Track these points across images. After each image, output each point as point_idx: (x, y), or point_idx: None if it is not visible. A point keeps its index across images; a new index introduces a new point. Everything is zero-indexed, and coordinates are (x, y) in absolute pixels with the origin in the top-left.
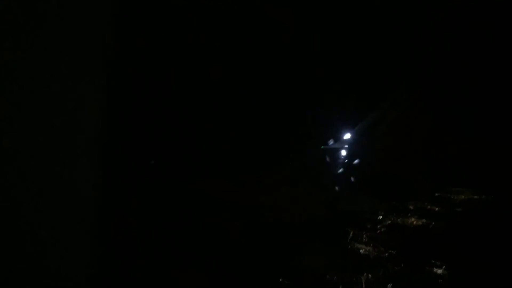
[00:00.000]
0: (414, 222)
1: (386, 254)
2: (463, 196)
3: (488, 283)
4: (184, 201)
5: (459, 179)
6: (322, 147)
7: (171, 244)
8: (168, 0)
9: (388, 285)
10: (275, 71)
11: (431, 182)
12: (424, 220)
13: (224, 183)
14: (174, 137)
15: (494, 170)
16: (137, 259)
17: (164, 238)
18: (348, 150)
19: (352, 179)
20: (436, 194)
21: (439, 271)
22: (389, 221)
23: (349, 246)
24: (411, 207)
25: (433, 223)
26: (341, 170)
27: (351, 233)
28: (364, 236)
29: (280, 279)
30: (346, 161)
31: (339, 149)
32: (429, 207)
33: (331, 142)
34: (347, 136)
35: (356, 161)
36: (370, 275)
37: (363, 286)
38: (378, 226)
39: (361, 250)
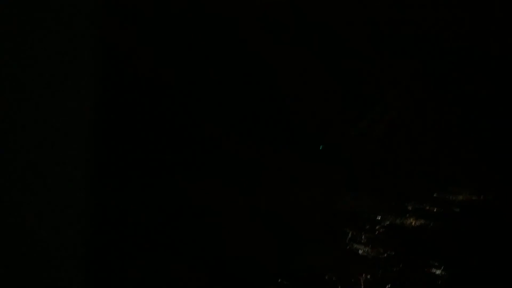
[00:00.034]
0: (413, 223)
1: (385, 254)
2: (461, 197)
3: (487, 283)
4: (183, 201)
5: (457, 179)
6: (320, 147)
7: (170, 244)
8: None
9: (387, 286)
10: (273, 71)
11: (430, 183)
12: (422, 221)
13: (223, 183)
14: (174, 137)
15: (493, 170)
16: (136, 258)
17: (163, 238)
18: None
19: (351, 179)
20: (435, 195)
21: (438, 272)
22: (388, 222)
23: (348, 247)
24: (410, 208)
25: (432, 223)
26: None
27: (350, 233)
28: (363, 236)
29: (279, 280)
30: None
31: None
32: (427, 207)
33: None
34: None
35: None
36: (368, 276)
37: (362, 286)
38: (377, 227)
39: (359, 251)
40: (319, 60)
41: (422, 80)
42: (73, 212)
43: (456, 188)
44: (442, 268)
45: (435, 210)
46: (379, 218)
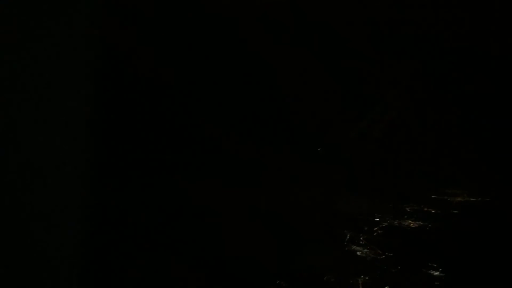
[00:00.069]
0: (411, 224)
1: (383, 256)
2: (461, 197)
3: (486, 284)
4: (183, 201)
5: (457, 179)
6: (319, 148)
7: (170, 244)
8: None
9: (386, 287)
10: (273, 71)
11: (430, 183)
12: (420, 222)
13: (223, 183)
14: (174, 137)
15: (493, 170)
16: (136, 258)
17: (163, 238)
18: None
19: (351, 179)
20: (433, 196)
21: (436, 273)
22: (386, 223)
23: (346, 248)
24: (408, 209)
25: (430, 225)
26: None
27: (348, 235)
28: (361, 238)
29: (279, 280)
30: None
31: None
32: (425, 209)
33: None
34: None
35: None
36: (367, 278)
37: (361, 287)
38: (375, 228)
39: (358, 253)
40: (319, 60)
41: (422, 80)
42: (72, 212)
43: (456, 188)
44: (441, 269)
45: (435, 211)
46: (379, 219)
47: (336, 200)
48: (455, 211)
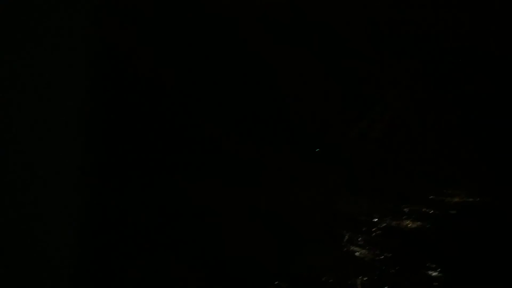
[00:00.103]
0: (409, 225)
1: (382, 256)
2: (457, 199)
3: (483, 284)
4: (183, 201)
5: (457, 180)
6: (317, 150)
7: (170, 244)
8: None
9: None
10: (273, 71)
11: (430, 183)
12: (419, 223)
13: (223, 183)
14: (174, 137)
15: (493, 170)
16: (136, 258)
17: (163, 238)
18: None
19: (351, 179)
20: (431, 197)
21: (435, 274)
22: (384, 224)
23: (345, 249)
24: (406, 210)
25: (428, 225)
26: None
27: (347, 235)
28: (360, 238)
29: (279, 280)
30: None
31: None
32: (423, 209)
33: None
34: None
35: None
36: (365, 278)
37: None
38: (373, 229)
39: (356, 253)
40: (319, 60)
41: (422, 80)
42: (72, 212)
43: (456, 188)
44: (439, 269)
45: (433, 212)
46: (377, 220)
47: (336, 200)
48: (453, 212)
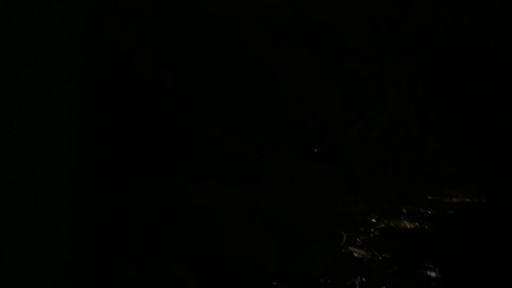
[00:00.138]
0: (407, 225)
1: (380, 257)
2: (455, 199)
3: (481, 284)
4: (183, 201)
5: (457, 180)
6: (315, 150)
7: (170, 244)
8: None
9: None
10: (273, 71)
11: (430, 183)
12: (417, 223)
13: (223, 183)
14: (174, 137)
15: (493, 170)
16: (136, 258)
17: (163, 238)
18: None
19: (351, 179)
20: (429, 197)
21: (433, 274)
22: (383, 225)
23: (343, 250)
24: (404, 210)
25: (426, 226)
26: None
27: (345, 236)
28: (358, 239)
29: (279, 280)
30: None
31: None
32: (422, 210)
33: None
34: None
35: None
36: (364, 278)
37: None
38: (372, 230)
39: (354, 254)
40: (319, 60)
41: (422, 80)
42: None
43: (455, 188)
44: (437, 270)
45: (429, 213)
46: (375, 220)
47: (336, 200)
48: (452, 212)
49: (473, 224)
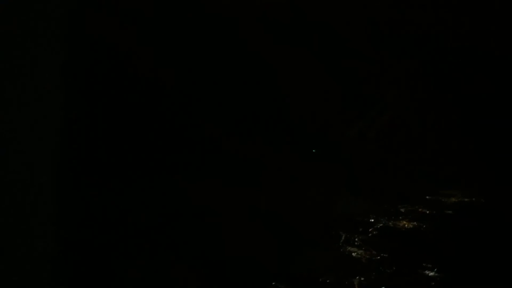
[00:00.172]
0: (406, 225)
1: (378, 257)
2: (453, 199)
3: (480, 284)
4: (183, 201)
5: (457, 179)
6: (313, 150)
7: (170, 244)
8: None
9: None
10: (273, 71)
11: (429, 183)
12: (415, 223)
13: (223, 183)
14: (174, 137)
15: (493, 170)
16: (136, 258)
17: (163, 238)
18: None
19: (351, 179)
20: (427, 197)
21: (431, 274)
22: (381, 224)
23: (342, 249)
24: (403, 210)
25: (424, 225)
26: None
27: (343, 236)
28: (356, 239)
29: (279, 280)
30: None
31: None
32: (420, 210)
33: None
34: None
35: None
36: (362, 278)
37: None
38: (370, 229)
39: (353, 253)
40: (319, 60)
41: (422, 80)
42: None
43: (454, 188)
44: (436, 269)
45: (427, 213)
46: (374, 220)
47: (336, 200)
48: (450, 212)
49: (472, 224)
